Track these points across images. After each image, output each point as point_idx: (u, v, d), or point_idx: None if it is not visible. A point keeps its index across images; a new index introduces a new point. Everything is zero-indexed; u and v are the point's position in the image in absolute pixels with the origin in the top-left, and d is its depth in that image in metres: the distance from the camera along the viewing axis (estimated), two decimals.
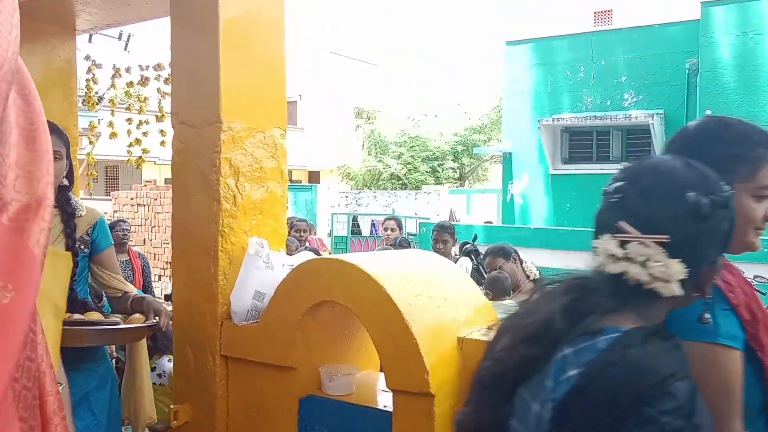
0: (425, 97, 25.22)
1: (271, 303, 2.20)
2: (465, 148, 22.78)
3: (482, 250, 8.27)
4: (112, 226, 5.50)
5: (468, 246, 7.95)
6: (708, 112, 10.49)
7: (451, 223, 6.29)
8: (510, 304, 4.78)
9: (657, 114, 11.48)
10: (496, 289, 4.89)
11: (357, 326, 2.30)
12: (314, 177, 24.94)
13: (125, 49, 8.79)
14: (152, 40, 7.97)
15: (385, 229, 6.91)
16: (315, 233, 9.83)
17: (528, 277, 3.59)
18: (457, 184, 23.00)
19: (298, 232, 6.96)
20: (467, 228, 10.19)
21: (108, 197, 14.94)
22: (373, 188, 21.50)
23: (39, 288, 0.87)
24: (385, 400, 2.09)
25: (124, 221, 6.11)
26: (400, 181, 22.19)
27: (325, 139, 24.43)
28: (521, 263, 3.62)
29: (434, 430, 1.83)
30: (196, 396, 2.34)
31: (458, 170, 23.58)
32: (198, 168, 2.31)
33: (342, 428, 2.11)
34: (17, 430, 0.83)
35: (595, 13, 16.80)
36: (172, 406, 2.36)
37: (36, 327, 0.90)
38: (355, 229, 14.69)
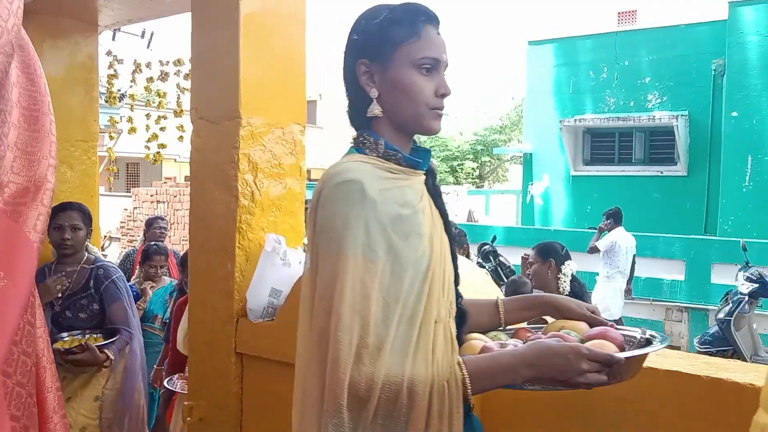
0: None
1: (287, 301, 2.18)
2: (485, 147, 22.66)
3: (501, 251, 8.19)
4: (150, 223, 5.32)
5: (486, 247, 7.82)
6: (734, 114, 10.30)
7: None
8: None
9: (681, 116, 11.29)
10: (509, 293, 4.78)
11: None
12: None
13: (148, 47, 8.85)
14: (175, 38, 8.02)
15: None
16: None
17: (558, 287, 3.31)
18: (477, 185, 22.87)
19: None
20: (485, 229, 10.14)
21: (128, 194, 15.09)
22: None
23: (33, 277, 0.83)
24: None
25: (162, 218, 5.58)
26: None
27: (345, 139, 24.32)
28: (558, 271, 3.30)
29: None
30: (210, 393, 2.33)
31: (478, 170, 23.45)
32: (216, 164, 2.29)
33: None
34: (8, 429, 0.79)
35: (618, 13, 16.58)
36: (186, 402, 2.35)
37: (35, 319, 0.86)
38: None
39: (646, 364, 1.67)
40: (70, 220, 2.85)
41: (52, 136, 0.90)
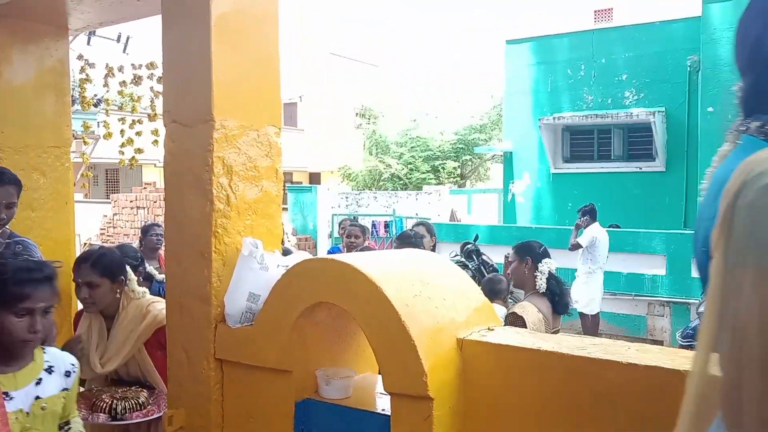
0: (426, 96, 25.17)
1: (265, 305, 2.15)
2: (465, 147, 22.73)
3: (483, 250, 8.18)
4: (146, 230, 5.13)
5: (469, 246, 7.84)
6: (710, 109, 10.42)
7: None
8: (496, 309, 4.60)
9: (658, 112, 11.41)
10: (485, 291, 4.75)
11: (354, 328, 2.25)
12: (315, 178, 24.89)
13: (124, 51, 8.75)
14: (151, 42, 7.94)
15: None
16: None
17: (535, 285, 3.30)
18: (459, 184, 22.94)
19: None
20: (468, 228, 10.16)
21: (107, 200, 14.91)
22: (373, 189, 21.44)
23: None
24: (383, 404, 2.04)
25: (159, 225, 5.29)
26: (401, 182, 22.14)
27: (326, 141, 24.39)
28: (535, 269, 3.29)
29: None
30: (190, 400, 2.29)
31: (459, 169, 23.51)
32: (190, 168, 2.26)
33: None
34: None
35: (595, 11, 16.72)
36: (166, 411, 2.31)
37: None
38: None
39: (627, 359, 1.67)
40: (7, 196, 2.54)
41: None
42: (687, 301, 8.23)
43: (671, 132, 11.51)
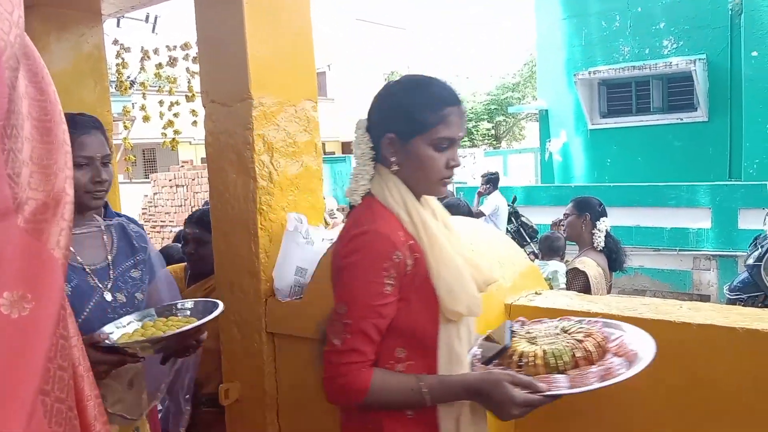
0: (455, 57, 24.77)
1: (313, 278, 2.19)
2: (499, 107, 22.39)
3: (522, 211, 8.13)
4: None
5: (507, 208, 7.82)
6: (754, 53, 10.01)
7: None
8: (554, 265, 4.59)
9: (699, 60, 11.00)
10: (543, 248, 4.76)
11: None
12: (347, 148, 24.89)
13: (153, 31, 8.80)
14: (180, 20, 7.97)
15: None
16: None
17: (591, 241, 3.34)
18: (494, 145, 22.68)
19: None
20: (505, 190, 10.06)
21: (147, 180, 15.21)
22: None
23: (63, 294, 0.81)
24: None
25: None
26: None
27: (357, 109, 24.28)
28: (593, 226, 3.32)
29: None
30: (244, 374, 2.36)
31: (493, 130, 23.22)
32: (232, 146, 2.28)
33: None
34: None
35: None
36: (221, 385, 2.38)
37: (68, 331, 0.85)
38: None
39: (679, 319, 1.65)
40: (99, 148, 1.90)
41: (66, 146, 0.87)
42: (734, 253, 8.04)
43: (713, 80, 11.10)
